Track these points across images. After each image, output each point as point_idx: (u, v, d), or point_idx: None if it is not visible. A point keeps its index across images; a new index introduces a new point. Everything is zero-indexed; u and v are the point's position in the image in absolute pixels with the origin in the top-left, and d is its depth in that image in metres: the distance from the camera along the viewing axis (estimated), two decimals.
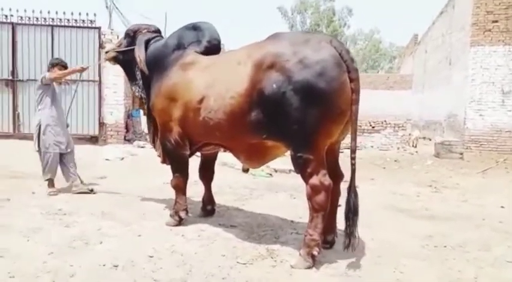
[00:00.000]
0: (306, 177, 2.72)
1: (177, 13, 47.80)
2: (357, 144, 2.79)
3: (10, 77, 7.99)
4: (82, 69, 4.78)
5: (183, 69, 3.37)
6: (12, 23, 7.91)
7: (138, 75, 3.91)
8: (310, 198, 2.71)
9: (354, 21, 45.23)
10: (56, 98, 4.79)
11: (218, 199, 4.72)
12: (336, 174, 2.99)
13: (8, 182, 5.13)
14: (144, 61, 3.70)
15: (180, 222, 3.60)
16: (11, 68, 7.98)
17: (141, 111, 9.61)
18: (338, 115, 2.63)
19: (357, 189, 2.84)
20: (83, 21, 7.98)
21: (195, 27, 3.64)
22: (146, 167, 6.46)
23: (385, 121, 13.13)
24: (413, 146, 11.80)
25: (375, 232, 3.58)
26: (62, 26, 7.89)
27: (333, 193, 2.85)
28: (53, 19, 7.91)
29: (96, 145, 8.15)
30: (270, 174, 6.90)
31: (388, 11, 53.14)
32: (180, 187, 3.65)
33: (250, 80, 2.79)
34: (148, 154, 7.71)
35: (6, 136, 7.80)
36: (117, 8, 11.57)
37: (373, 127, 13.17)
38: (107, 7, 11.16)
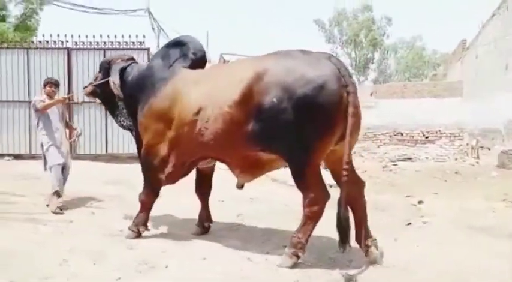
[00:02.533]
0: (303, 189, 2.84)
1: (218, 31, 49.21)
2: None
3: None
4: (64, 99, 5.08)
5: (174, 86, 3.35)
6: (67, 48, 8.29)
7: (121, 105, 3.93)
8: (306, 208, 2.85)
9: (394, 30, 44.15)
10: (52, 119, 4.88)
11: (277, 218, 4.54)
12: (355, 182, 3.06)
13: (67, 202, 5.21)
14: (119, 87, 3.75)
15: (139, 236, 3.64)
16: (66, 92, 8.30)
17: None
18: (335, 128, 2.72)
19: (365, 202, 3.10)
20: (133, 43, 8.21)
21: (177, 43, 3.68)
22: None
23: (439, 131, 12.42)
24: (475, 156, 11.03)
25: (452, 252, 3.24)
26: (113, 49, 8.14)
27: (358, 202, 3.09)
28: (105, 42, 8.20)
29: None
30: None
31: (429, 17, 51.49)
32: (146, 204, 3.70)
33: (249, 92, 2.84)
34: None
35: None
36: (162, 29, 11.92)
37: (426, 137, 12.50)
38: (153, 29, 11.52)
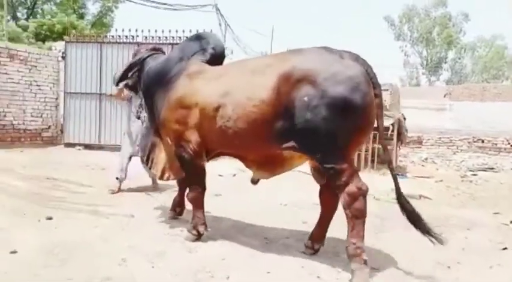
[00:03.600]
0: (341, 187, 2.73)
1: (284, 26, 48.92)
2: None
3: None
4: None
5: (190, 79, 3.32)
6: (137, 43, 8.45)
7: (140, 94, 3.96)
8: (348, 206, 2.73)
9: (471, 27, 40.68)
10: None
11: (343, 227, 4.13)
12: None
13: (128, 197, 5.19)
14: (119, 76, 3.94)
15: (199, 237, 3.47)
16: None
17: None
18: (368, 128, 2.77)
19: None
20: None
21: (198, 37, 3.64)
22: (257, 185, 6.12)
23: None
24: None
25: None
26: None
27: (330, 204, 3.21)
28: (173, 37, 8.24)
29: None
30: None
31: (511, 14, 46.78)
32: (198, 200, 3.55)
33: (277, 90, 2.76)
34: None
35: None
36: (228, 25, 11.86)
37: None
38: (219, 24, 11.50)
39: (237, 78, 3.04)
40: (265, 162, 3.19)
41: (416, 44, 36.47)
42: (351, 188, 2.68)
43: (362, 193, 2.71)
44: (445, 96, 22.17)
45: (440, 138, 12.39)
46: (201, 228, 3.50)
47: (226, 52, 8.16)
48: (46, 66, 8.76)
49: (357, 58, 2.77)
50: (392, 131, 8.00)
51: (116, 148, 8.57)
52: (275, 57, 3.08)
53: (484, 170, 10.01)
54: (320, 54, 2.80)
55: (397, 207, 5.52)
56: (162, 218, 4.14)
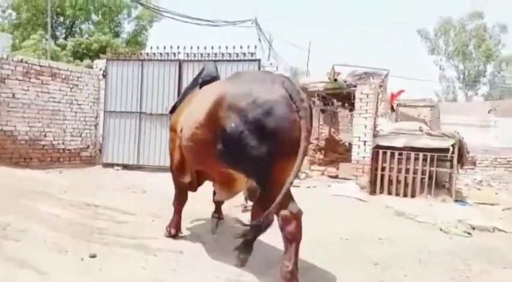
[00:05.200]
0: (276, 210, 2.75)
1: (320, 41, 48.58)
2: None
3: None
4: None
5: (183, 105, 3.95)
6: (179, 60, 8.24)
7: None
8: (282, 229, 2.78)
9: (509, 39, 38.89)
10: None
11: (424, 270, 3.54)
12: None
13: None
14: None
15: (172, 237, 3.99)
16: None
17: None
18: (287, 150, 2.73)
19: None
20: (244, 54, 7.84)
21: (201, 69, 4.24)
22: (308, 214, 5.59)
23: None
24: None
25: None
26: (224, 60, 7.88)
27: None
28: (215, 54, 7.96)
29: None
30: (469, 233, 5.32)
31: None
32: (177, 207, 4.12)
33: (212, 116, 3.02)
34: (306, 196, 6.91)
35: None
36: (267, 40, 11.56)
37: None
38: (259, 40, 11.21)
39: (196, 102, 3.44)
40: (223, 182, 3.50)
41: (452, 57, 35.21)
42: (284, 211, 2.74)
43: (294, 217, 2.76)
44: (489, 112, 20.94)
45: (496, 158, 11.48)
46: (173, 231, 4.02)
47: (272, 68, 7.84)
48: (87, 85, 8.65)
49: (283, 82, 2.83)
50: (453, 152, 7.29)
51: (155, 168, 8.29)
52: (220, 83, 3.40)
53: None
54: (251, 79, 3.03)
55: (474, 241, 4.94)
56: (212, 254, 3.67)
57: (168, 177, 4.38)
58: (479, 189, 10.16)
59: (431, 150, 7.48)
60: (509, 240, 4.98)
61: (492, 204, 7.65)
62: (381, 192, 7.78)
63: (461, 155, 7.46)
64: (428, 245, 4.42)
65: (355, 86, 8.91)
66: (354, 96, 8.67)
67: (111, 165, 8.52)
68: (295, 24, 51.61)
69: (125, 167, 8.45)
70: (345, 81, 9.24)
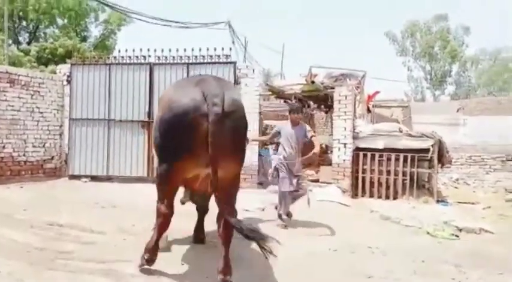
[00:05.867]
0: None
1: (293, 44, 48.73)
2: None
3: (146, 119, 7.77)
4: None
5: None
6: (150, 64, 7.80)
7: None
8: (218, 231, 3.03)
9: (472, 40, 40.37)
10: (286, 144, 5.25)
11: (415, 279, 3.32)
12: (220, 212, 3.02)
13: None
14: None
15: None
16: (147, 109, 7.78)
17: (270, 150, 8.51)
18: (189, 153, 2.81)
19: None
20: (218, 56, 7.49)
21: None
22: (294, 223, 5.33)
23: None
24: None
25: None
26: (198, 63, 7.52)
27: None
28: (188, 57, 7.59)
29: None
30: (457, 236, 5.18)
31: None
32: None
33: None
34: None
35: (141, 180, 7.50)
36: (241, 42, 11.25)
37: None
38: (233, 42, 10.89)
39: None
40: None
41: (419, 58, 36.13)
42: (157, 205, 3.17)
43: (159, 214, 3.11)
44: (458, 110, 21.47)
45: (470, 156, 11.63)
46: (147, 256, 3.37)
47: (248, 70, 7.55)
48: (50, 91, 8.05)
49: (203, 86, 2.85)
50: (433, 152, 7.20)
51: (126, 179, 7.78)
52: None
53: None
54: (182, 83, 3.37)
55: (463, 245, 4.79)
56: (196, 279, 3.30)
57: (141, 188, 4.01)
58: (456, 187, 10.21)
59: (411, 151, 7.37)
60: (498, 242, 4.87)
61: (472, 203, 7.63)
62: (363, 196, 7.61)
63: (441, 154, 7.39)
64: (420, 253, 4.21)
65: (332, 88, 8.74)
66: (331, 98, 8.50)
67: (78, 177, 7.95)
68: (267, 27, 51.67)
69: (93, 178, 7.89)
70: (322, 83, 9.06)
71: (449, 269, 3.76)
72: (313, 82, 8.86)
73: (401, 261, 3.91)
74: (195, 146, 2.74)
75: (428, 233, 5.27)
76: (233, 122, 2.78)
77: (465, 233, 5.35)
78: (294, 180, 5.14)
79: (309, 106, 12.66)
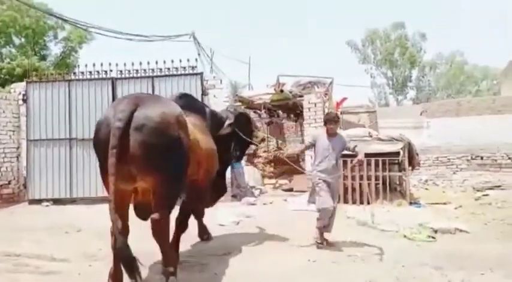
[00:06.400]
0: None
1: (260, 55, 49.00)
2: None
3: None
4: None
5: None
6: (112, 78, 7.49)
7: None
8: None
9: (429, 46, 42.21)
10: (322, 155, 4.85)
11: None
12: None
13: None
14: None
15: None
16: None
17: (243, 162, 8.28)
18: (103, 164, 3.08)
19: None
20: (184, 68, 7.30)
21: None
22: (271, 236, 5.18)
23: None
24: None
25: None
26: (162, 76, 7.29)
27: None
28: (153, 70, 7.35)
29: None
30: (433, 238, 5.18)
31: (467, 30, 49.32)
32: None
33: None
34: (266, 215, 6.47)
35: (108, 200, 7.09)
36: (205, 53, 11.12)
37: None
38: (199, 54, 10.73)
39: None
40: None
41: (380, 65, 37.33)
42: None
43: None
44: (421, 114, 22.22)
45: (437, 157, 11.92)
46: None
47: (215, 81, 7.39)
48: (4, 112, 7.55)
49: (115, 103, 3.33)
50: (403, 155, 7.28)
51: (91, 201, 7.37)
52: None
53: (491, 188, 9.46)
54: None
55: (441, 247, 4.77)
56: None
57: (108, 209, 3.71)
58: (426, 189, 10.40)
59: (382, 155, 7.42)
60: (474, 241, 4.89)
61: (444, 203, 7.74)
62: (338, 202, 7.55)
63: (411, 157, 7.48)
64: (400, 257, 4.15)
65: (300, 96, 8.74)
66: (300, 106, 8.49)
67: (39, 201, 7.44)
68: (232, 39, 51.76)
69: (56, 201, 7.42)
70: (290, 92, 9.05)
71: (430, 272, 3.71)
72: (281, 91, 8.84)
73: (382, 268, 3.82)
74: (105, 158, 2.93)
75: (405, 236, 5.24)
76: (142, 136, 2.95)
77: (441, 234, 5.36)
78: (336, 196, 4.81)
79: (278, 115, 12.65)
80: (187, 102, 4.25)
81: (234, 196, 7.65)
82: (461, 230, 5.49)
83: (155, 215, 3.11)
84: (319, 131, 5.12)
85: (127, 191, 3.23)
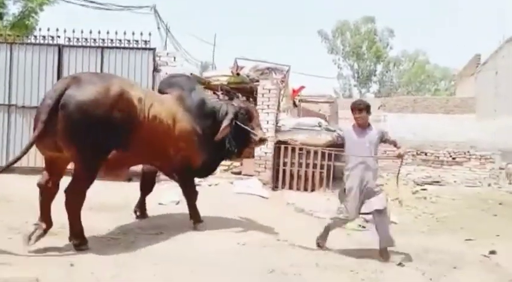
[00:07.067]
0: None
1: (225, 35, 48.15)
2: None
3: None
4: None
5: None
6: (59, 45, 7.10)
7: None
8: None
9: (396, 42, 43.44)
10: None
11: (316, 275, 3.38)
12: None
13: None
14: None
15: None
16: None
17: None
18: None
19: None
20: (136, 41, 7.05)
21: None
22: (207, 217, 5.20)
23: (468, 152, 11.32)
24: (509, 182, 9.95)
25: None
26: (113, 48, 6.99)
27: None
28: (103, 40, 7.03)
29: None
30: (364, 227, 5.44)
31: (430, 31, 51.01)
32: None
33: None
34: (208, 196, 6.48)
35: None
36: (168, 30, 10.77)
37: (453, 158, 11.39)
38: (158, 28, 10.36)
39: None
40: None
41: (348, 57, 37.91)
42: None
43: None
44: (379, 108, 22.94)
45: (385, 151, 12.34)
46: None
47: (169, 58, 7.20)
48: None
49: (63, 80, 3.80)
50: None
51: (29, 170, 7.05)
52: None
53: (430, 183, 10.01)
54: None
55: (369, 237, 4.98)
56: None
57: None
58: None
59: (329, 145, 7.61)
60: (400, 234, 5.08)
61: None
62: (283, 188, 7.75)
63: None
64: (327, 245, 4.31)
65: (257, 81, 8.74)
66: (256, 91, 8.49)
67: None
68: (201, 19, 50.59)
69: None
70: (248, 76, 9.01)
71: (350, 261, 3.89)
72: (238, 74, 8.79)
73: (307, 254, 3.97)
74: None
75: (343, 227, 5.45)
76: (64, 112, 3.31)
77: (372, 224, 5.62)
78: (371, 200, 4.00)
79: (238, 98, 12.59)
80: (170, 83, 4.69)
81: None
82: (390, 221, 5.79)
83: (68, 187, 3.47)
84: (347, 126, 4.22)
85: (58, 160, 3.63)
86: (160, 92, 4.67)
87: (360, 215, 5.76)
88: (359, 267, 3.70)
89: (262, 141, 4.82)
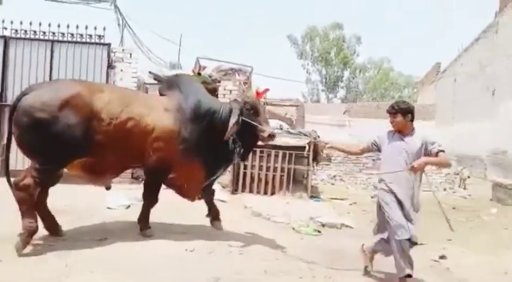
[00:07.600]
0: None
1: (190, 35, 47.55)
2: None
3: None
4: None
5: None
6: (4, 37, 6.64)
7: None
8: None
9: (363, 49, 44.65)
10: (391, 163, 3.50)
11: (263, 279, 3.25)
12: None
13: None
14: None
15: None
16: None
17: None
18: None
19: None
20: (90, 36, 6.70)
21: None
22: (157, 223, 4.96)
23: None
24: (463, 187, 10.28)
25: None
26: (64, 42, 6.62)
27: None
28: (53, 33, 6.64)
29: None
30: (319, 232, 5.38)
31: (396, 39, 52.77)
32: None
33: None
34: (161, 200, 6.23)
35: None
36: (128, 25, 10.41)
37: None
38: (118, 24, 9.98)
39: None
40: None
41: (316, 62, 38.49)
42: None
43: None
44: (344, 113, 23.39)
45: (347, 155, 12.49)
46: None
47: (125, 54, 6.90)
48: None
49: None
50: (309, 150, 7.48)
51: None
52: None
53: None
54: None
55: (323, 241, 4.93)
56: None
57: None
58: (333, 184, 10.92)
59: (290, 148, 7.57)
60: (355, 238, 5.04)
61: (342, 199, 8.16)
62: (243, 191, 7.60)
63: (316, 152, 7.72)
64: (279, 251, 4.21)
65: (220, 82, 8.56)
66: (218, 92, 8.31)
67: None
68: (166, 17, 49.84)
69: None
70: (210, 76, 8.82)
71: (300, 266, 3.78)
72: (199, 74, 8.58)
73: (256, 260, 3.83)
74: None
75: (293, 229, 5.39)
76: (16, 116, 3.48)
77: (328, 228, 5.60)
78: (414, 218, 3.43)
79: None
80: (169, 84, 4.57)
81: (136, 178, 7.29)
82: (346, 226, 5.78)
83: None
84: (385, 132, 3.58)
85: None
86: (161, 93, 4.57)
87: (317, 220, 5.82)
88: (308, 273, 3.61)
89: (271, 137, 4.31)
